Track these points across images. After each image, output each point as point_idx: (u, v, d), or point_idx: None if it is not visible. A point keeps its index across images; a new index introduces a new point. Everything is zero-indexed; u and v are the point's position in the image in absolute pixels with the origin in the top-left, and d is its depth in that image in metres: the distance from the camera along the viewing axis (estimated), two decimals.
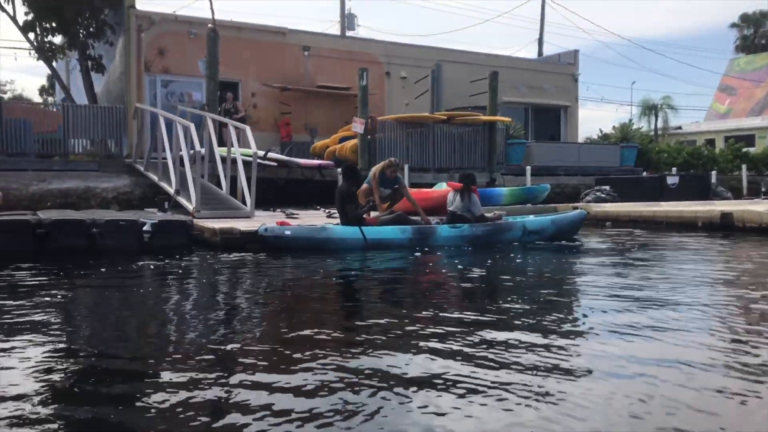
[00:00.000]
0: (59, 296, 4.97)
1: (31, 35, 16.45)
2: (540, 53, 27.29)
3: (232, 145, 10.21)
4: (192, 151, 9.41)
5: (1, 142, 12.03)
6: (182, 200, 9.67)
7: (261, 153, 12.29)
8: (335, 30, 28.97)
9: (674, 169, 17.15)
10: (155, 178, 11.19)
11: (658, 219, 11.31)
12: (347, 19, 31.38)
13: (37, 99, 28.40)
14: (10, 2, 15.93)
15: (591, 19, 46.00)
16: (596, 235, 10.52)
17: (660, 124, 34.82)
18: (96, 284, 5.63)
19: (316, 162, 13.03)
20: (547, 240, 8.43)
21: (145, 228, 7.37)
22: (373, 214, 8.49)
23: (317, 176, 12.88)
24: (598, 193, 14.45)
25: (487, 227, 8.14)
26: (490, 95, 15.43)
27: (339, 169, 13.24)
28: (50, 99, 28.08)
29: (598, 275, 6.17)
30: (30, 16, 16.18)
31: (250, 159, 9.61)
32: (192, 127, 9.42)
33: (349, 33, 28.18)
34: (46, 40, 16.53)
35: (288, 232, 7.18)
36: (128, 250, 7.33)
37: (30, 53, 16.93)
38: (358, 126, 13.43)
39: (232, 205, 9.82)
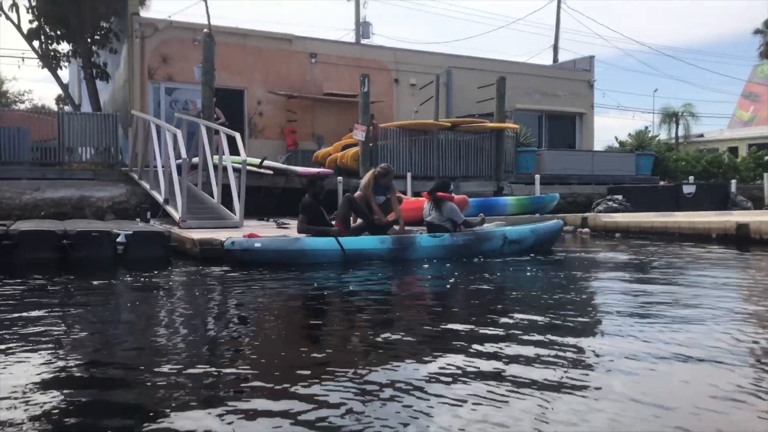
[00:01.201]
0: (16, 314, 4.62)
1: (36, 43, 16.37)
2: (555, 60, 26.76)
3: (224, 153, 9.87)
4: (184, 160, 9.06)
5: None
6: (170, 209, 9.35)
7: (255, 161, 11.99)
8: (350, 38, 28.82)
9: (691, 178, 16.51)
10: (147, 186, 10.89)
11: (670, 230, 10.75)
12: (362, 27, 31.22)
13: (54, 109, 28.49)
14: (15, 10, 15.85)
15: (609, 25, 45.26)
16: (595, 246, 9.98)
17: (681, 132, 34.03)
18: (47, 302, 5.27)
19: (314, 170, 12.63)
20: (527, 250, 8.06)
21: (119, 239, 7.04)
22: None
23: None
24: (609, 203, 13.90)
25: (468, 236, 7.77)
26: (497, 101, 14.97)
27: (339, 178, 12.93)
28: (67, 108, 28.15)
29: (585, 288, 5.69)
30: (34, 24, 16.12)
31: (239, 166, 9.27)
32: (179, 134, 9.11)
33: (364, 41, 28.00)
34: (50, 48, 16.43)
35: (257, 245, 6.75)
36: (102, 262, 7.00)
37: (38, 63, 16.86)
38: (359, 133, 13.05)
39: (221, 215, 9.48)
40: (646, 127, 19.91)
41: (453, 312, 4.99)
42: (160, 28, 16.42)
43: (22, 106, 30.69)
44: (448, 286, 6.08)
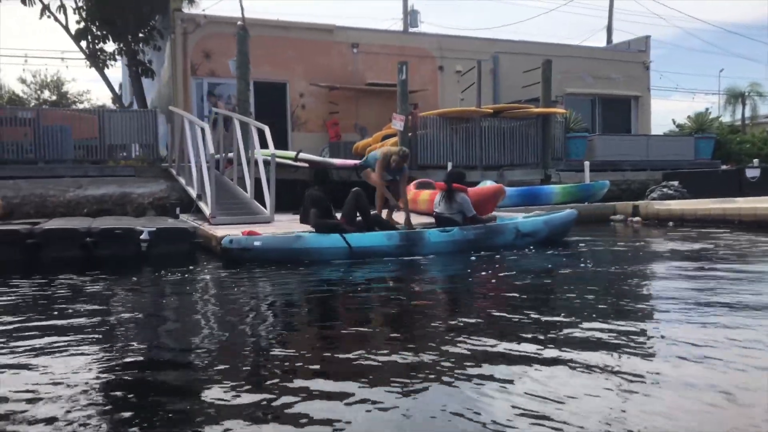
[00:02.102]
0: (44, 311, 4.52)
1: (83, 43, 16.64)
2: (609, 42, 25.68)
3: (254, 147, 9.70)
4: (212, 155, 8.92)
5: (40, 149, 12.01)
6: (202, 205, 9.25)
7: (291, 153, 11.81)
8: (398, 28, 28.39)
9: (756, 161, 15.48)
10: (183, 182, 10.86)
11: (729, 218, 10.01)
12: (410, 16, 30.78)
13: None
14: (62, 11, 16.14)
15: (667, 4, 43.16)
16: (638, 236, 9.35)
17: (748, 113, 32.22)
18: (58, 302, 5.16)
19: (351, 162, 12.37)
20: (541, 242, 7.72)
21: (142, 236, 6.93)
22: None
23: (354, 177, 12.21)
24: (664, 190, 13.12)
25: (479, 230, 7.41)
26: (543, 86, 14.35)
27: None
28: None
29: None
30: (81, 25, 16.37)
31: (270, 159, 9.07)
32: (207, 128, 8.98)
33: (411, 30, 27.55)
34: (97, 47, 16.68)
35: (257, 243, 6.53)
36: (126, 260, 6.92)
37: (85, 62, 17.14)
38: (397, 123, 12.70)
39: (252, 210, 9.32)
40: (707, 109, 18.78)
41: (493, 303, 4.75)
42: (201, 23, 16.46)
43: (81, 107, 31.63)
44: (470, 279, 5.74)
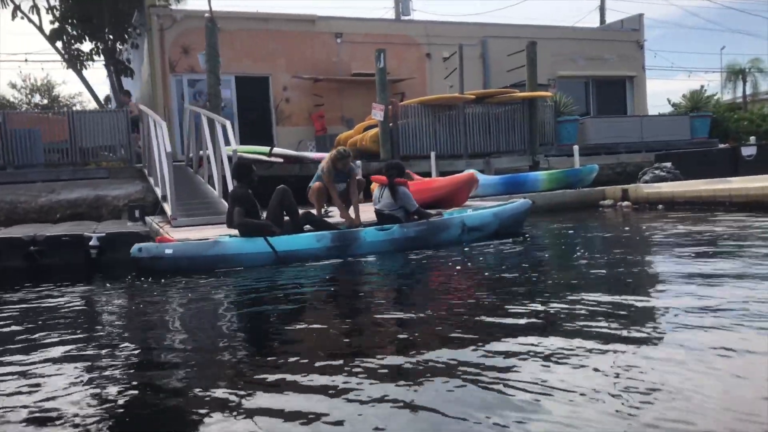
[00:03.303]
0: None
1: (59, 44, 16.30)
2: (603, 22, 25.10)
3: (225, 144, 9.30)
4: (168, 153, 8.54)
5: (7, 155, 11.66)
6: (166, 206, 8.88)
7: (264, 149, 11.42)
8: (390, 16, 27.89)
9: (752, 139, 14.96)
10: (152, 182, 10.50)
11: (720, 199, 9.55)
12: (401, 4, 30.25)
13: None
14: (35, 12, 15.80)
15: None
16: (617, 221, 8.93)
17: (749, 91, 31.58)
18: None
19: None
20: (491, 236, 7.13)
21: (91, 243, 6.57)
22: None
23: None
24: (656, 172, 12.62)
25: (420, 227, 6.80)
26: (528, 69, 13.87)
27: (358, 162, 12.21)
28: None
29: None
30: (55, 25, 16.04)
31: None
32: (164, 125, 8.61)
33: (404, 18, 27.03)
34: (73, 47, 16.34)
35: (169, 251, 5.94)
36: (75, 268, 6.56)
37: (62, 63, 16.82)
38: (377, 113, 12.29)
39: (219, 210, 8.91)
40: (702, 87, 18.22)
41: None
42: (178, 19, 16.05)
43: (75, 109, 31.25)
44: (406, 278, 5.33)
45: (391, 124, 12.56)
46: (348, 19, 18.21)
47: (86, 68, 16.83)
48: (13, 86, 33.37)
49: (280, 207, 6.61)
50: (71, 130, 11.98)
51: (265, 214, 6.68)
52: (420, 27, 19.09)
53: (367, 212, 7.58)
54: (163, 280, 5.82)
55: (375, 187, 7.39)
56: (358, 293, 5.13)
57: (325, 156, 12.10)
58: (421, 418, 2.25)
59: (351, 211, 7.45)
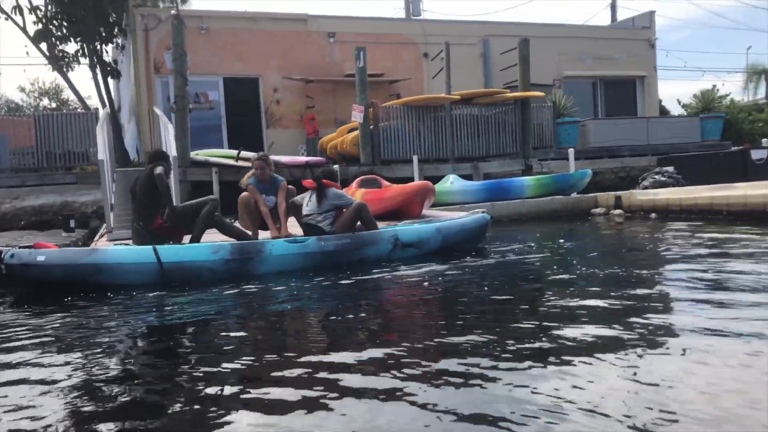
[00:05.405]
0: None
1: (43, 45, 15.87)
2: (614, 20, 24.13)
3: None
4: (101, 161, 7.92)
5: None
6: (109, 215, 8.28)
7: (232, 152, 10.82)
8: (401, 16, 27.23)
9: (764, 141, 13.98)
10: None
11: (717, 207, 8.70)
12: (412, 5, 29.59)
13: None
14: (18, 12, 15.37)
15: None
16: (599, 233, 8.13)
17: None
18: None
19: (302, 159, 11.35)
20: (434, 252, 6.24)
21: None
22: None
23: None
24: (657, 177, 11.77)
25: (342, 240, 5.87)
26: (520, 67, 13.10)
27: (336, 166, 11.56)
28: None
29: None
30: (40, 26, 15.60)
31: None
32: (99, 129, 8.02)
33: (414, 18, 26.36)
34: (57, 49, 15.89)
35: (41, 258, 5.13)
36: None
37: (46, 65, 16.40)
38: (357, 114, 11.63)
39: None
40: (714, 86, 17.20)
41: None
42: (163, 19, 15.56)
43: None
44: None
45: (371, 127, 11.87)
46: (341, 18, 17.58)
47: (71, 70, 16.39)
48: (22, 90, 33.44)
49: (195, 211, 5.96)
50: (37, 133, 11.53)
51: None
52: (416, 26, 18.41)
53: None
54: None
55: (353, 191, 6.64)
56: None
57: (297, 159, 11.57)
58: None
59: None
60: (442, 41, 17.87)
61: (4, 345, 3.72)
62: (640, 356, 2.77)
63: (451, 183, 10.97)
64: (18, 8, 15.33)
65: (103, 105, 15.93)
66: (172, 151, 8.45)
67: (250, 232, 6.37)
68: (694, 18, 69.61)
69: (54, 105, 33.17)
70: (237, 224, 6.56)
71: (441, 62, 17.80)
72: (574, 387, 2.41)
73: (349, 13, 32.50)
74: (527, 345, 3.07)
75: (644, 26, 20.25)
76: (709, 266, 4.97)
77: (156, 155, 6.18)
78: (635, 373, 2.54)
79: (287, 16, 17.03)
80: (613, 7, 23.88)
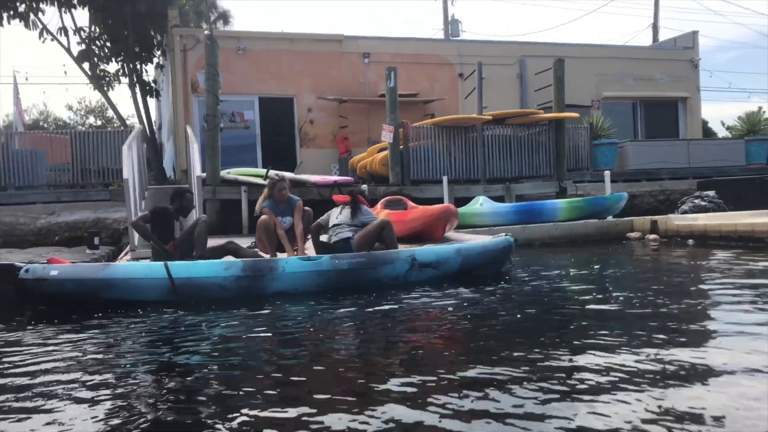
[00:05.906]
0: None
1: (86, 65, 16.29)
2: (655, 40, 23.67)
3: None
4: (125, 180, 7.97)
5: (10, 175, 11.50)
6: (133, 235, 8.31)
7: (261, 171, 10.84)
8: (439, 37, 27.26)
9: None
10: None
11: (758, 235, 8.28)
12: (451, 26, 29.60)
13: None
14: (63, 33, 15.83)
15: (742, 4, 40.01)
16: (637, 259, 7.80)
17: None
18: None
19: (331, 178, 11.29)
20: (454, 275, 5.99)
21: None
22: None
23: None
24: (696, 201, 11.36)
25: (358, 259, 5.68)
26: (554, 88, 12.87)
27: (364, 186, 11.47)
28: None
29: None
30: (83, 46, 16.04)
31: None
32: (124, 148, 8.08)
33: (453, 39, 26.35)
34: (99, 69, 16.30)
35: (54, 272, 5.15)
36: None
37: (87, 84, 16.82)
38: (387, 134, 11.55)
39: None
40: (760, 108, 16.63)
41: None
42: (201, 39, 15.80)
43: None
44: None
45: (401, 147, 11.76)
46: (376, 39, 17.63)
47: (112, 89, 16.77)
48: (70, 108, 34.46)
49: (190, 236, 6.04)
50: (73, 150, 11.76)
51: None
52: (452, 47, 18.34)
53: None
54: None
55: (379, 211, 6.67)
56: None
57: (327, 179, 11.52)
58: None
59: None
60: (477, 62, 17.81)
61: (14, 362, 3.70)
62: (674, 390, 2.66)
63: (480, 204, 10.77)
64: (63, 29, 15.80)
65: (141, 123, 16.25)
66: (196, 166, 8.48)
67: (267, 255, 6.30)
68: (740, 38, 67.99)
69: (99, 123, 34.13)
70: (256, 248, 6.52)
71: (474, 82, 17.72)
72: (603, 421, 2.35)
73: (385, 33, 32.67)
74: (554, 375, 2.97)
75: (687, 47, 19.79)
76: (749, 297, 4.69)
77: (173, 195, 6.32)
78: (668, 410, 2.44)
79: (323, 36, 17.15)
80: (655, 28, 23.45)
